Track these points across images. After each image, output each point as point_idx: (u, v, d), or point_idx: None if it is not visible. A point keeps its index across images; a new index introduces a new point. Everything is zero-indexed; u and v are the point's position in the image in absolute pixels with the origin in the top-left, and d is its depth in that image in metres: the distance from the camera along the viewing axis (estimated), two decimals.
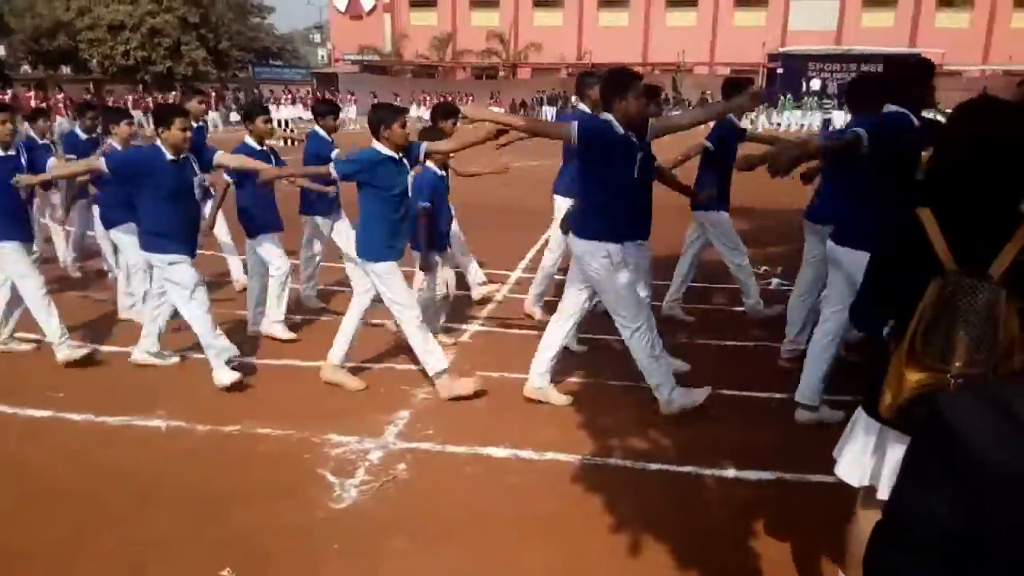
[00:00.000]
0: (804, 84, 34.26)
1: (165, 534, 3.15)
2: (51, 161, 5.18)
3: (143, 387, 4.66)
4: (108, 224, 5.73)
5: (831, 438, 2.49)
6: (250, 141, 5.49)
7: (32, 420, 4.22)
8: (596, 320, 5.89)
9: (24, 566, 2.94)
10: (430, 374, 4.52)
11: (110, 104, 20.29)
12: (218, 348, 4.63)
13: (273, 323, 5.49)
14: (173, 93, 29.87)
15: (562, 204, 5.39)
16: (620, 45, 42.10)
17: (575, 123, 4.01)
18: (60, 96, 25.30)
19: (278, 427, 4.11)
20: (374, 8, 45.87)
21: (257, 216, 5.41)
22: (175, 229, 4.60)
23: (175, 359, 5.08)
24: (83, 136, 6.75)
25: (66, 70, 41.58)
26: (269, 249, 5.44)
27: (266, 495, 3.46)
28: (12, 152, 4.86)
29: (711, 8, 42.57)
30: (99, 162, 4.66)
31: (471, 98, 36.82)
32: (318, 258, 6.26)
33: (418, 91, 38.18)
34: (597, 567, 2.98)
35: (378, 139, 4.38)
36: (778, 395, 4.57)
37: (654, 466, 3.73)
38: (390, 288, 4.40)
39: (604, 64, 41.23)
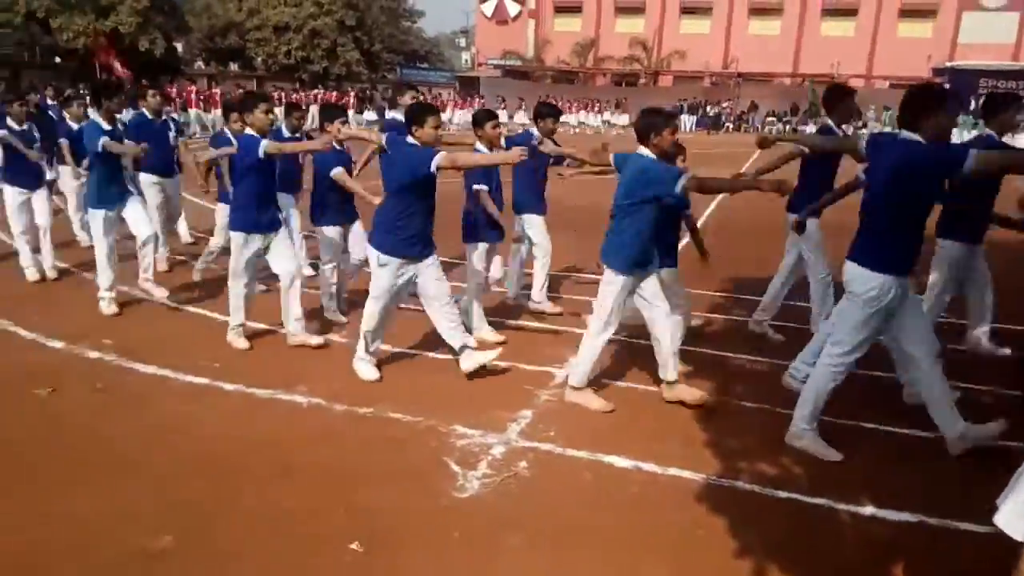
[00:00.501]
0: (974, 101, 31.61)
1: (302, 503, 3.36)
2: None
3: (289, 365, 4.98)
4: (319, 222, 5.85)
5: (984, 483, 2.30)
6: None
7: (191, 386, 4.62)
8: (737, 338, 5.75)
9: (178, 517, 3.22)
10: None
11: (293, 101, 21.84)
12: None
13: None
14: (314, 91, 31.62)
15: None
16: (769, 54, 40.61)
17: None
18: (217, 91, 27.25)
19: (408, 413, 4.27)
20: (519, 14, 46.64)
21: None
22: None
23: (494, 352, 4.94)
24: (287, 134, 6.75)
25: (234, 67, 45.06)
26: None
27: (394, 477, 3.61)
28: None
29: (872, 18, 40.19)
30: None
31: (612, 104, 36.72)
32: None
33: (558, 96, 38.37)
34: None
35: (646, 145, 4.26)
36: (923, 433, 4.27)
37: (783, 494, 3.58)
38: None
39: (750, 73, 40.06)
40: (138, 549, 2.99)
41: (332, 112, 5.82)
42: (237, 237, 5.09)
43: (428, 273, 4.65)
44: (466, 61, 65.23)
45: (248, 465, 3.69)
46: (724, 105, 39.18)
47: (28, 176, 6.73)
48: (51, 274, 6.90)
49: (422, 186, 4.48)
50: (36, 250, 6.87)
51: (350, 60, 39.81)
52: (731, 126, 36.92)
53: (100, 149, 5.61)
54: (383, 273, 4.59)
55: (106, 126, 5.78)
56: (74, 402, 4.33)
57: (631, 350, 5.45)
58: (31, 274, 6.78)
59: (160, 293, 6.02)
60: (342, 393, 4.53)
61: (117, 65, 18.20)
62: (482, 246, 5.45)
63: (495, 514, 3.33)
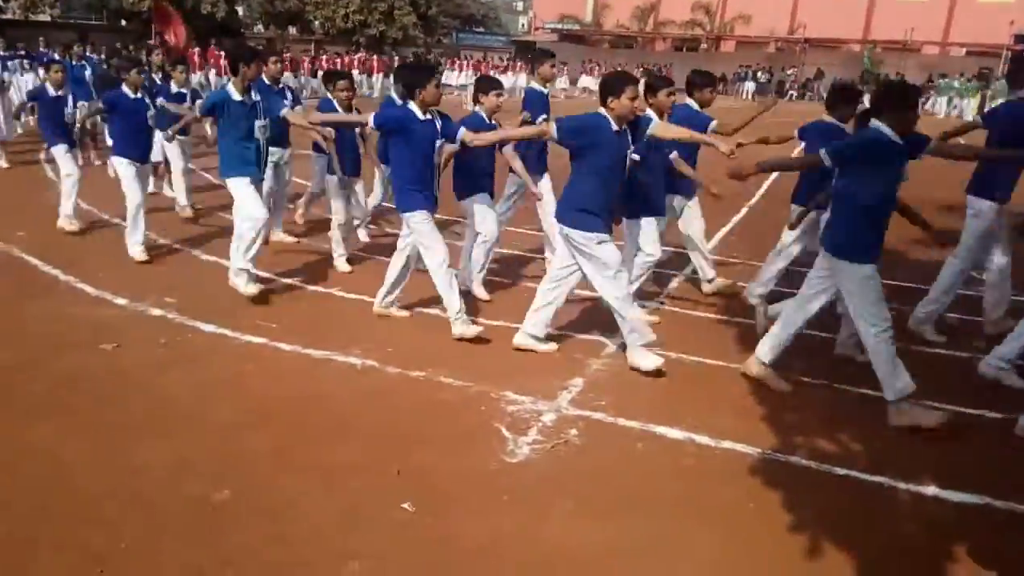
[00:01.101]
0: None
1: (355, 460, 3.41)
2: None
3: (343, 327, 5.04)
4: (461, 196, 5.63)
5: None
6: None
7: (250, 345, 4.72)
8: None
9: (235, 472, 3.31)
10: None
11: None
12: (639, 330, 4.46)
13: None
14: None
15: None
16: (838, 19, 38.89)
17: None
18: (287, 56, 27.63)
19: (459, 378, 4.29)
20: None
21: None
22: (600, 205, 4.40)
23: (553, 345, 4.81)
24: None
25: (292, 31, 45.35)
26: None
27: (445, 440, 3.64)
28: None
29: None
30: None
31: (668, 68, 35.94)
32: None
33: (615, 61, 37.67)
34: (769, 565, 2.85)
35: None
36: (991, 413, 4.10)
37: (840, 471, 3.49)
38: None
39: (818, 40, 38.52)
40: (199, 499, 3.08)
41: (489, 83, 5.48)
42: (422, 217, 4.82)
43: None
44: (523, 25, 64.36)
45: (303, 422, 3.76)
46: (788, 72, 37.85)
47: (139, 148, 6.55)
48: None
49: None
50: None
51: (407, 24, 39.61)
52: (795, 94, 35.67)
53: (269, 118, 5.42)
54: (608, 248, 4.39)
55: (237, 96, 5.32)
56: (138, 357, 4.46)
57: (684, 321, 5.36)
58: (138, 253, 6.31)
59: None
60: (395, 356, 4.56)
61: (173, 33, 18.34)
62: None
63: (545, 479, 3.32)
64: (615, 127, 4.28)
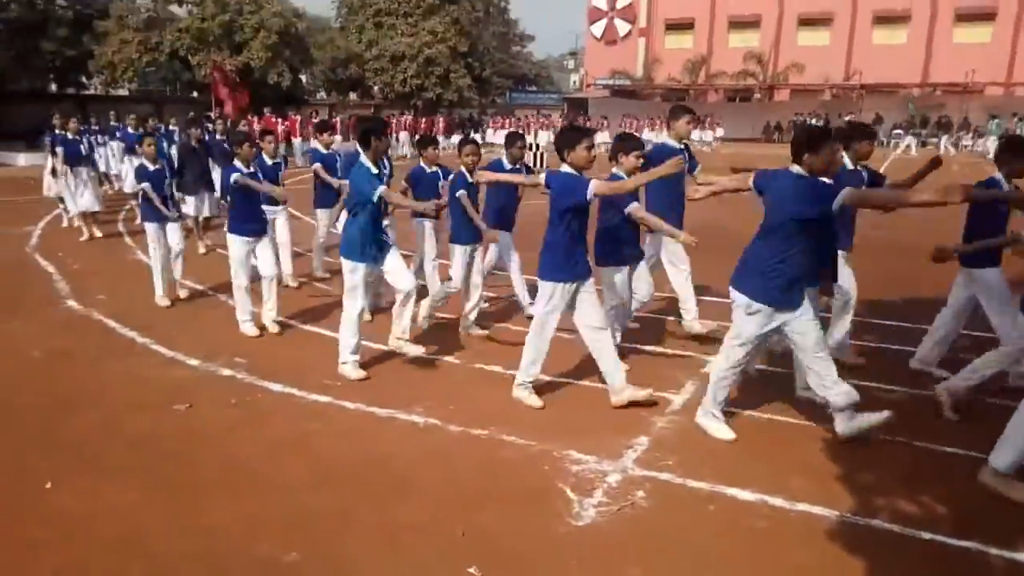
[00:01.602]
0: None
1: (419, 521, 3.40)
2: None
3: (406, 385, 5.09)
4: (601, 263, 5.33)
5: None
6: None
7: (315, 404, 4.79)
8: (861, 366, 5.41)
9: (303, 532, 3.33)
10: None
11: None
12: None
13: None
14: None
15: None
16: (895, 64, 38.38)
17: None
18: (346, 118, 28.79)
19: (521, 437, 4.26)
20: (629, 33, 46.41)
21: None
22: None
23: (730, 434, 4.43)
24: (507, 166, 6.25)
25: (353, 96, 47.21)
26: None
27: (510, 500, 3.60)
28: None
29: (1012, 21, 37.34)
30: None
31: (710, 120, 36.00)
32: None
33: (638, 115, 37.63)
34: None
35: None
36: None
37: (926, 535, 3.31)
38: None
39: (874, 85, 38.04)
40: (269, 560, 3.11)
41: (628, 143, 5.14)
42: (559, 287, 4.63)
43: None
44: (574, 82, 65.59)
45: (367, 481, 3.78)
46: (845, 118, 37.37)
47: (256, 223, 6.29)
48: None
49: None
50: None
51: (462, 86, 40.83)
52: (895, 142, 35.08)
53: (375, 197, 5.01)
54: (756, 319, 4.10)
55: (374, 169, 5.12)
56: (209, 417, 4.59)
57: (750, 377, 5.22)
58: (249, 328, 6.17)
59: (415, 350, 5.33)
60: (457, 414, 4.57)
61: (229, 100, 18.91)
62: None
63: (614, 545, 3.24)
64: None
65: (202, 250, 9.63)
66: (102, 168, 13.68)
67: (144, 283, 7.98)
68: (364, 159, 5.12)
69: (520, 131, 9.14)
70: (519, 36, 56.79)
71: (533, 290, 5.17)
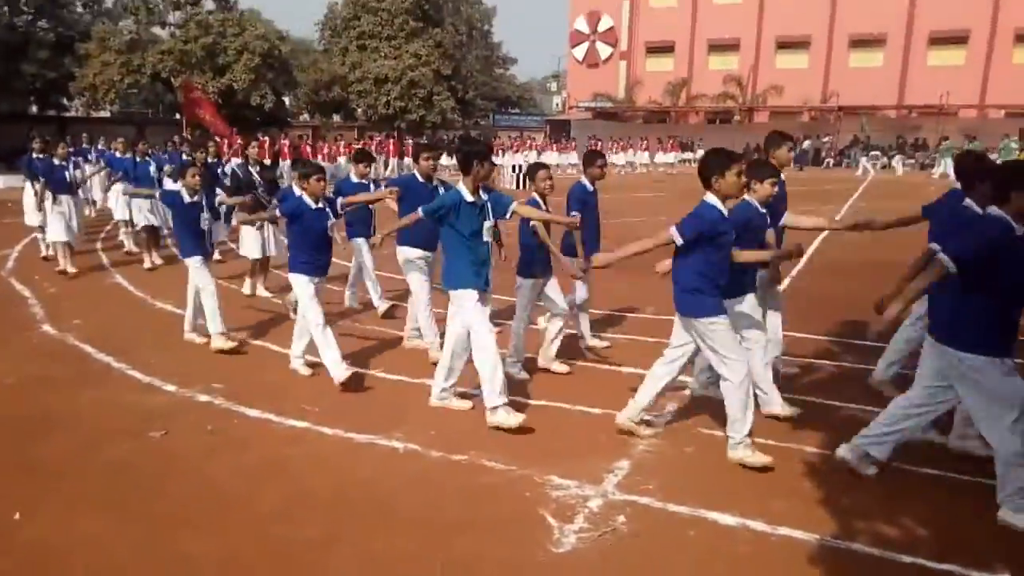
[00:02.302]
0: None
1: (399, 549, 3.35)
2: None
3: (385, 410, 5.04)
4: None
5: None
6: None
7: (293, 429, 4.74)
8: (844, 389, 5.44)
9: (281, 562, 3.27)
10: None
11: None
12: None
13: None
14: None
15: None
16: (871, 86, 39.09)
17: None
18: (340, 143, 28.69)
19: (502, 462, 4.23)
20: (611, 56, 46.97)
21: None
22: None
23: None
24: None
25: (336, 118, 47.30)
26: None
27: (490, 527, 3.56)
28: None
29: (985, 44, 38.19)
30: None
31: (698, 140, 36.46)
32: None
33: (654, 136, 38.24)
34: None
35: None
36: None
37: (907, 559, 3.30)
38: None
39: (851, 107, 38.68)
40: None
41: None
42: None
43: None
44: (557, 105, 66.13)
45: (346, 509, 3.73)
46: (824, 140, 37.97)
47: (322, 259, 5.71)
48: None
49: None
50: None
51: (445, 108, 41.05)
52: (831, 161, 35.70)
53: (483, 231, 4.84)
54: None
55: (470, 197, 4.82)
56: (185, 444, 4.51)
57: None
58: (340, 373, 5.37)
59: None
60: (437, 439, 4.53)
61: (208, 119, 18.02)
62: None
63: (594, 572, 3.21)
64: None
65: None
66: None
67: (121, 307, 7.91)
68: (462, 187, 4.82)
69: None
70: (502, 59, 57.22)
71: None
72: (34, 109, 37.64)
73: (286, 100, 41.02)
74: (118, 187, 11.24)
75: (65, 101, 38.19)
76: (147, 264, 10.06)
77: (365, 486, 3.99)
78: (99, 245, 11.94)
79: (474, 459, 4.27)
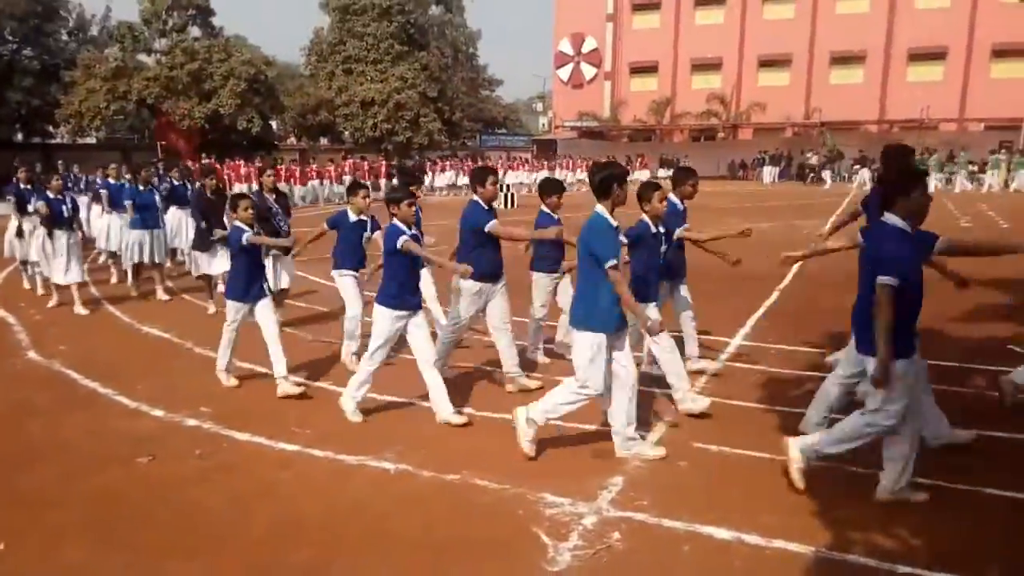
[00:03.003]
0: None
1: (393, 572, 3.31)
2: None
3: (377, 431, 5.00)
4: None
5: None
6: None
7: (284, 452, 4.68)
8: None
9: None
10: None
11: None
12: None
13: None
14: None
15: None
16: (853, 102, 39.59)
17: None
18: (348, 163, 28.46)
19: (495, 480, 4.19)
20: (595, 76, 47.38)
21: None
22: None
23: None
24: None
25: (323, 141, 47.41)
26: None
27: (484, 548, 3.52)
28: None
29: (962, 60, 38.81)
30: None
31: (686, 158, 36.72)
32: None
33: (634, 154, 38.63)
34: None
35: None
36: None
37: (903, 569, 3.29)
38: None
39: (833, 123, 39.14)
40: None
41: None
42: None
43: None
44: (543, 125, 66.56)
45: (337, 532, 3.68)
46: (807, 155, 38.36)
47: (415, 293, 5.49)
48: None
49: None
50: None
51: (432, 130, 41.23)
52: (814, 176, 36.05)
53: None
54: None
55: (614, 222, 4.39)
56: (173, 470, 4.45)
57: (724, 411, 5.22)
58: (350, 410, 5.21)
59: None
60: (429, 459, 4.49)
61: (179, 143, 17.91)
62: None
63: None
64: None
65: (212, 310, 8.58)
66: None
67: (107, 333, 7.83)
68: (603, 212, 4.35)
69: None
70: (488, 80, 57.60)
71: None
72: (19, 136, 37.52)
73: (273, 124, 41.09)
74: (111, 217, 10.38)
75: (51, 128, 38.11)
76: (134, 293, 9.69)
77: (356, 508, 3.94)
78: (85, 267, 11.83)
79: (466, 478, 4.23)
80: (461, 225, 5.64)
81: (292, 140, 48.10)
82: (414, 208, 5.18)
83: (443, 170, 31.93)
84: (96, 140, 38.77)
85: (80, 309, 8.66)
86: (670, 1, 44.52)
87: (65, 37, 37.83)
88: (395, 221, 5.07)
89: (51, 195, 8.80)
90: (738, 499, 3.95)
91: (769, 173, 37.12)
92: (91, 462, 4.54)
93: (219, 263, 8.38)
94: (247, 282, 5.81)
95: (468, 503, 3.98)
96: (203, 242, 8.48)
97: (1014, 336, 6.91)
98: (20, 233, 9.50)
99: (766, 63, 43.10)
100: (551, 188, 6.18)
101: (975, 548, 3.45)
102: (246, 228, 5.78)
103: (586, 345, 4.31)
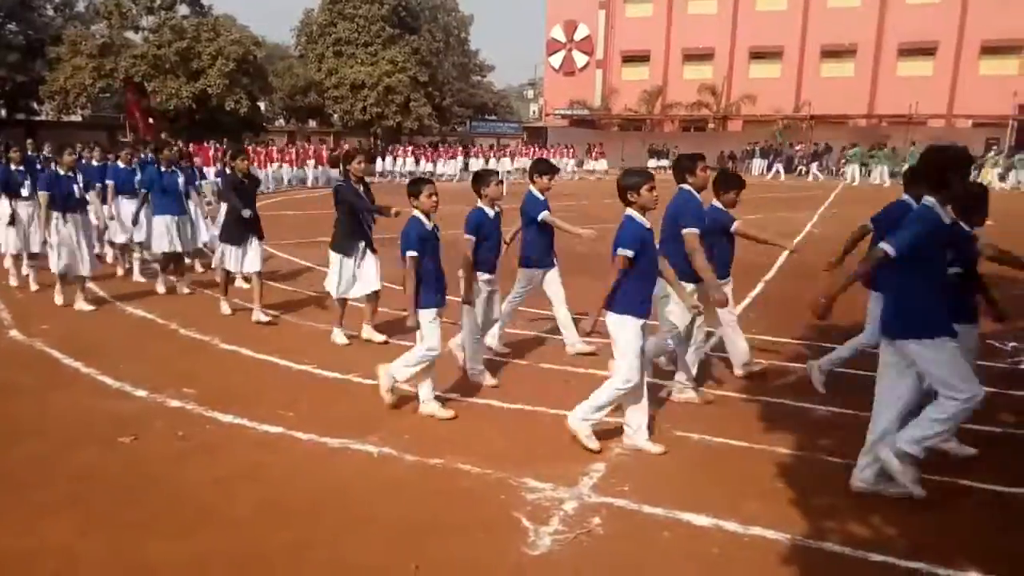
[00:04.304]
0: None
1: (372, 557, 3.33)
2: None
3: (360, 414, 5.01)
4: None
5: None
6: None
7: (267, 435, 4.69)
8: (811, 390, 5.50)
9: (253, 571, 3.23)
10: None
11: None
12: None
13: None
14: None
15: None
16: (843, 96, 39.72)
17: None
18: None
19: (478, 465, 4.22)
20: (587, 64, 47.25)
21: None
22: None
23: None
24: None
25: (312, 124, 47.08)
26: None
27: (464, 531, 3.55)
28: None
29: (951, 56, 38.98)
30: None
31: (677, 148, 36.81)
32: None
33: (625, 143, 38.67)
34: None
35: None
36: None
37: (876, 557, 3.35)
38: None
39: (823, 116, 39.28)
40: None
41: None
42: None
43: None
44: (534, 112, 66.40)
45: (319, 515, 3.69)
46: (796, 148, 38.49)
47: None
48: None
49: None
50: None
51: (422, 115, 41.02)
52: (804, 168, 36.22)
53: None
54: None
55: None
56: (155, 449, 4.45)
57: (699, 403, 5.27)
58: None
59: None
60: (412, 443, 4.51)
61: (141, 123, 17.63)
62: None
63: (569, 574, 3.21)
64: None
65: (227, 311, 7.64)
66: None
67: (90, 313, 7.76)
68: (936, 206, 3.70)
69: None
70: (479, 66, 57.38)
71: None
72: (3, 113, 37.02)
73: (261, 105, 40.72)
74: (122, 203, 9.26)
75: (35, 105, 37.60)
76: (181, 288, 8.67)
77: (339, 491, 3.95)
78: None
79: (449, 463, 4.26)
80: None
81: (281, 122, 47.71)
82: (501, 188, 5.64)
83: (402, 155, 32.09)
84: (81, 118, 38.32)
85: (83, 305, 7.78)
86: None
87: (51, 12, 37.31)
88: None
89: (61, 171, 7.70)
90: (718, 487, 4.00)
91: (758, 165, 37.21)
92: (73, 442, 4.53)
93: (251, 260, 7.33)
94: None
95: (451, 488, 4.01)
96: (233, 233, 7.27)
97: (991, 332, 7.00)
98: (12, 221, 8.73)
99: (757, 55, 43.13)
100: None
101: (947, 538, 3.51)
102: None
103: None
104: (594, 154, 36.57)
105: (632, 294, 4.29)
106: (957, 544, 3.45)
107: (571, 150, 36.21)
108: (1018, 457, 4.48)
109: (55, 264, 7.75)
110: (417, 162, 31.68)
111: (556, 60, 48.35)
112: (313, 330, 7.13)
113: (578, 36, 47.21)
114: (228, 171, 7.95)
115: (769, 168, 35.82)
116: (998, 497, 3.95)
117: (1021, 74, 37.26)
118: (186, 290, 8.70)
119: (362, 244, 6.61)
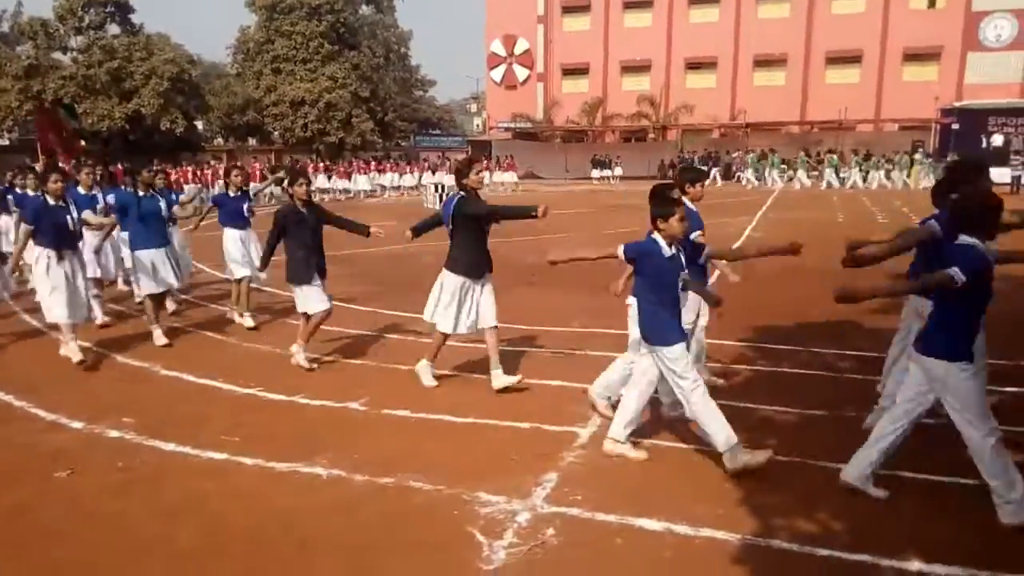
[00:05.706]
0: (984, 140, 31.72)
1: None
2: None
3: (307, 435, 4.91)
4: None
5: None
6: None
7: (211, 461, 4.55)
8: (761, 389, 5.62)
9: None
10: None
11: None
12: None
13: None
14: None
15: None
16: (776, 104, 40.98)
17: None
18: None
19: (429, 481, 4.18)
20: (528, 78, 47.67)
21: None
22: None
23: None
24: None
25: (252, 142, 46.30)
26: None
27: (418, 550, 3.51)
28: None
29: (876, 64, 40.63)
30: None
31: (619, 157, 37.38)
32: None
33: (568, 155, 39.08)
34: None
35: None
36: (968, 481, 4.09)
37: (822, 551, 3.43)
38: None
39: (758, 124, 40.43)
40: None
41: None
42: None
43: None
44: (477, 126, 66.63)
45: (267, 543, 3.60)
46: (734, 155, 39.48)
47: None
48: None
49: None
50: None
51: (364, 130, 40.76)
52: (742, 175, 37.17)
53: None
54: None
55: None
56: (94, 483, 4.28)
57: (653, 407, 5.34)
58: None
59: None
60: (361, 463, 4.44)
61: (58, 144, 16.59)
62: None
63: None
64: None
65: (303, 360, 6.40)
66: None
67: (24, 344, 7.46)
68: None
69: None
70: (421, 81, 57.32)
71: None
72: None
73: (198, 125, 39.92)
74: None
75: None
76: (162, 341, 7.18)
77: (287, 516, 3.86)
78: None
79: (400, 481, 4.21)
80: None
81: (219, 141, 46.80)
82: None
83: (324, 171, 30.69)
84: (9, 141, 36.91)
85: (75, 353, 6.55)
86: (599, 3, 45.19)
87: None
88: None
89: (51, 201, 6.53)
90: (670, 491, 4.04)
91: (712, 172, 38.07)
92: (5, 480, 4.33)
93: (316, 299, 6.31)
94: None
95: (403, 506, 3.96)
96: (300, 271, 6.27)
97: None
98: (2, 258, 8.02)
99: (693, 65, 44.18)
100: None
101: (891, 530, 3.62)
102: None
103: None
104: (503, 165, 36.45)
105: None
106: (900, 535, 3.55)
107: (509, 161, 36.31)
108: (952, 447, 4.62)
109: (50, 314, 6.67)
110: (329, 179, 30.15)
111: (497, 74, 48.66)
112: (256, 351, 6.97)
113: (518, 50, 47.64)
114: (282, 194, 7.39)
115: (736, 178, 36.79)
116: (934, 487, 4.08)
117: (942, 79, 39.04)
118: (164, 339, 7.24)
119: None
